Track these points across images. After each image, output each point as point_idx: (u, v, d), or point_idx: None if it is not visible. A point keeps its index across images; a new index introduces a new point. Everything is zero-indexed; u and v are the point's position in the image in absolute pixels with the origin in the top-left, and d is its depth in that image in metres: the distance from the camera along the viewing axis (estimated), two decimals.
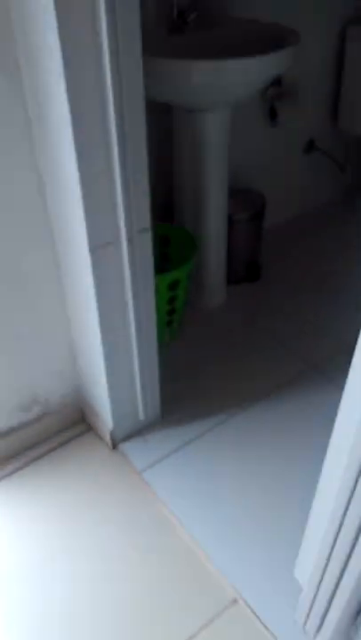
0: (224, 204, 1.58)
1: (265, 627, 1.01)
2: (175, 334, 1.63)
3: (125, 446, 1.34)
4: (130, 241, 1.00)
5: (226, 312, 1.73)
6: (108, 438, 1.34)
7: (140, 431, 1.37)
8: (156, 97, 1.23)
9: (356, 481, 0.69)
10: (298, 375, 1.48)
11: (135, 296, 1.08)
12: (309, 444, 1.31)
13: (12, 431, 1.31)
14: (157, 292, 1.17)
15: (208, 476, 1.26)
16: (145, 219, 1.01)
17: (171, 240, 1.63)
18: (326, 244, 2.02)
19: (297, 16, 1.65)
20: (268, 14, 1.56)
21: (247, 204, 1.74)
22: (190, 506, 1.20)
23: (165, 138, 1.54)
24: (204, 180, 1.51)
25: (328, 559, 0.80)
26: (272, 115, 1.79)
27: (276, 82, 1.73)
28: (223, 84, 1.24)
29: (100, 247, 0.98)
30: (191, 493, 1.23)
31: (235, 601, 1.06)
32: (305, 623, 0.96)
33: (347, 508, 0.72)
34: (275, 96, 1.75)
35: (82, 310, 1.14)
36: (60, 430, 1.39)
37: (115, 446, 1.35)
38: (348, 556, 0.76)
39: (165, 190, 1.66)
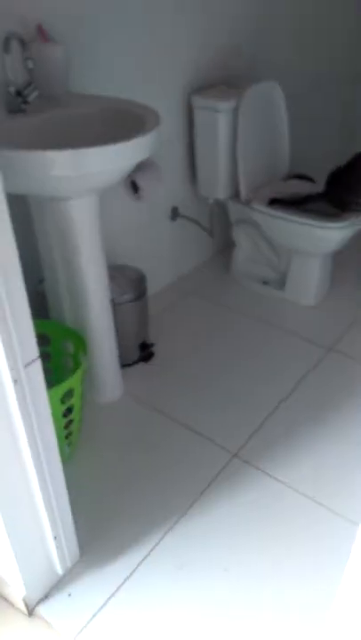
0: (105, 291, 1.43)
1: None
2: (76, 443, 1.41)
3: (45, 609, 1.09)
4: (16, 382, 0.80)
5: (127, 404, 1.55)
6: (21, 604, 1.08)
7: (59, 583, 1.13)
8: (8, 190, 1.07)
9: None
10: (222, 469, 1.34)
11: (31, 440, 0.87)
12: (262, 565, 1.14)
13: None
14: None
15: (151, 630, 1.06)
16: (32, 348, 0.82)
17: (50, 338, 1.43)
18: (208, 309, 1.95)
19: (142, 88, 1.61)
20: (111, 89, 1.50)
21: (128, 283, 1.62)
22: None
23: (25, 224, 1.35)
24: (79, 270, 1.35)
25: None
26: (134, 187, 1.71)
27: None
28: (84, 174, 1.11)
29: None
30: None
31: None
32: None
33: None
34: (134, 170, 1.67)
35: None
36: None
37: (31, 612, 1.09)
38: None
39: (34, 282, 1.47)
